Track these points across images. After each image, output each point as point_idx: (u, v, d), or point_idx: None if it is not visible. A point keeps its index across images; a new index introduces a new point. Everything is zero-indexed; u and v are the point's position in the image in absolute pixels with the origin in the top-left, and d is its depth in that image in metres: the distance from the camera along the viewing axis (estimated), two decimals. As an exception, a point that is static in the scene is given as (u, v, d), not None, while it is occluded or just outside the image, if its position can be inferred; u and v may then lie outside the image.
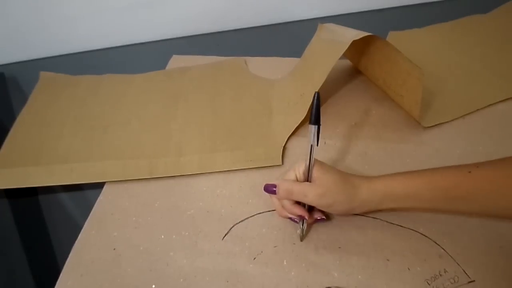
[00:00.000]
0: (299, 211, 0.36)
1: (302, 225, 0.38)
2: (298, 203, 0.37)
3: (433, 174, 0.34)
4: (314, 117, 0.33)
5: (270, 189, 0.37)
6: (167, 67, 0.63)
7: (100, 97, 0.56)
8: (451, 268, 0.35)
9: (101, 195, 0.44)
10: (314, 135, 0.34)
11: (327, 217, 0.39)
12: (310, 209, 0.37)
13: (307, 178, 0.36)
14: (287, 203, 0.37)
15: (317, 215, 0.38)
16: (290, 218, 0.38)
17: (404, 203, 0.35)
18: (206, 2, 0.67)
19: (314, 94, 0.32)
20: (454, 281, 0.34)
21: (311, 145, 0.34)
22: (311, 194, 0.35)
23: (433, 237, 0.37)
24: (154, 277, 0.36)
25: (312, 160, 0.35)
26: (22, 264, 0.41)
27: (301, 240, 0.38)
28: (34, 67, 0.63)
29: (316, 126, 0.33)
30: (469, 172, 0.33)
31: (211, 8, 0.68)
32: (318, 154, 0.46)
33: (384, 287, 0.34)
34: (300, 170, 0.36)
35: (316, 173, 0.35)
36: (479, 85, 0.53)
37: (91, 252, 0.39)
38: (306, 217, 0.37)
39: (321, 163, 0.36)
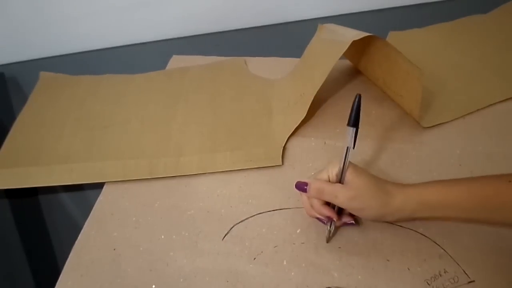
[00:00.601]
0: (328, 212, 0.36)
1: (330, 226, 0.37)
2: (327, 204, 0.36)
3: (471, 183, 0.34)
4: (353, 119, 0.32)
5: (301, 186, 0.36)
6: (167, 67, 0.63)
7: (100, 97, 0.56)
8: (451, 268, 0.35)
9: (101, 195, 0.44)
10: (351, 137, 0.33)
11: (356, 221, 0.38)
12: (340, 212, 0.37)
13: (340, 180, 0.35)
14: (316, 203, 0.36)
15: (346, 219, 0.37)
16: (318, 218, 0.38)
17: (440, 212, 0.34)
18: (206, 2, 0.67)
19: (356, 96, 0.31)
20: (454, 281, 0.34)
21: (347, 147, 0.33)
22: (342, 195, 0.34)
23: (433, 237, 0.37)
24: (154, 277, 0.36)
25: (347, 162, 0.34)
26: (22, 264, 0.41)
27: (327, 241, 0.37)
28: (34, 67, 0.63)
29: (354, 128, 0.32)
30: (510, 181, 0.32)
31: (211, 8, 0.68)
32: (321, 155, 0.46)
33: (384, 287, 0.34)
34: (333, 171, 0.35)
35: (349, 176, 0.34)
36: (479, 85, 0.53)
37: (91, 252, 0.39)
38: (335, 219, 0.36)
39: (355, 166, 0.35)
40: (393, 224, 0.38)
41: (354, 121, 0.32)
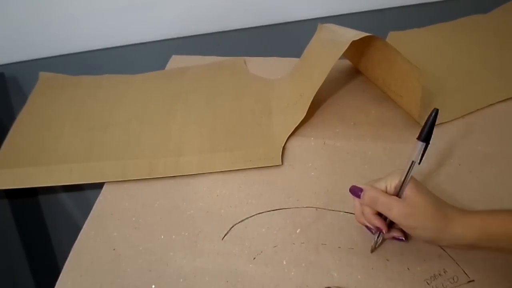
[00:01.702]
0: (378, 223, 0.34)
1: (377, 237, 0.36)
2: (379, 214, 0.35)
3: None
4: (425, 133, 0.30)
5: (355, 192, 0.35)
6: (167, 68, 0.63)
7: (99, 97, 0.56)
8: (450, 268, 0.35)
9: (100, 195, 0.44)
10: (419, 151, 0.31)
11: (406, 237, 0.36)
12: (390, 224, 0.36)
13: (398, 193, 0.33)
14: (368, 211, 0.35)
15: (396, 234, 0.36)
16: (366, 226, 0.36)
17: (504, 243, 0.31)
18: (206, 2, 0.67)
19: (433, 111, 0.30)
20: (454, 280, 0.34)
21: (412, 161, 0.32)
22: (396, 210, 0.32)
23: (432, 237, 0.37)
24: (154, 277, 0.36)
25: (409, 176, 0.32)
26: (22, 264, 0.41)
27: (372, 251, 0.36)
28: (34, 67, 0.63)
29: (424, 143, 0.31)
30: None
31: (211, 8, 0.68)
32: (320, 155, 0.46)
33: (383, 287, 0.34)
34: (392, 183, 0.34)
35: (408, 191, 0.33)
36: (479, 85, 0.53)
37: (91, 253, 0.39)
38: (384, 231, 0.35)
39: (417, 183, 0.33)
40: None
41: (426, 136, 0.31)
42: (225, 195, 0.43)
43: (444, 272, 0.35)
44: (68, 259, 0.38)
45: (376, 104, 0.52)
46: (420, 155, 0.31)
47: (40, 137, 0.51)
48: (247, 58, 0.62)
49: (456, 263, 0.35)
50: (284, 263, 0.37)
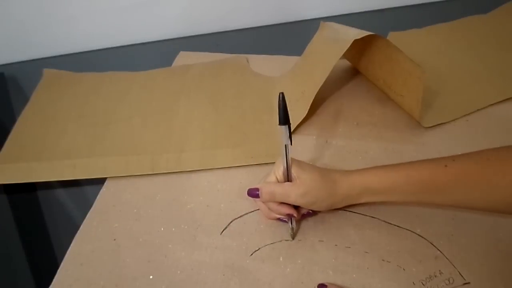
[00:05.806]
0: (287, 209, 0.34)
1: (292, 223, 0.35)
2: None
3: (410, 168, 0.32)
4: (282, 118, 0.29)
5: (253, 193, 0.34)
6: (174, 63, 0.59)
7: (103, 94, 0.53)
8: (446, 270, 0.32)
9: (104, 187, 0.42)
10: (286, 135, 0.31)
11: (314, 211, 0.36)
12: (296, 205, 0.35)
13: (287, 178, 0.33)
14: (273, 204, 0.34)
15: (304, 210, 0.35)
16: (279, 219, 0.36)
17: (381, 196, 0.33)
18: (206, 2, 0.63)
19: (280, 94, 0.28)
20: (449, 282, 0.31)
21: (286, 145, 0.31)
22: (293, 194, 0.32)
23: (430, 238, 0.34)
24: (152, 268, 0.34)
25: (289, 160, 0.32)
26: (21, 259, 0.38)
27: (293, 238, 0.35)
28: (34, 67, 0.59)
29: (286, 125, 0.30)
30: (445, 166, 0.31)
31: (212, 8, 0.64)
32: (322, 153, 0.43)
33: (378, 286, 0.32)
34: (279, 171, 0.33)
35: (295, 172, 0.33)
36: (479, 85, 0.49)
37: (92, 242, 0.37)
38: (295, 215, 0.34)
39: (298, 162, 0.33)
40: (390, 224, 0.36)
41: (284, 120, 0.29)
42: (226, 190, 0.40)
43: (440, 274, 0.32)
44: (70, 248, 0.36)
45: (380, 105, 0.48)
46: (288, 137, 0.31)
47: (44, 132, 0.48)
48: (249, 56, 0.58)
49: (452, 264, 0.32)
50: (281, 259, 0.34)
